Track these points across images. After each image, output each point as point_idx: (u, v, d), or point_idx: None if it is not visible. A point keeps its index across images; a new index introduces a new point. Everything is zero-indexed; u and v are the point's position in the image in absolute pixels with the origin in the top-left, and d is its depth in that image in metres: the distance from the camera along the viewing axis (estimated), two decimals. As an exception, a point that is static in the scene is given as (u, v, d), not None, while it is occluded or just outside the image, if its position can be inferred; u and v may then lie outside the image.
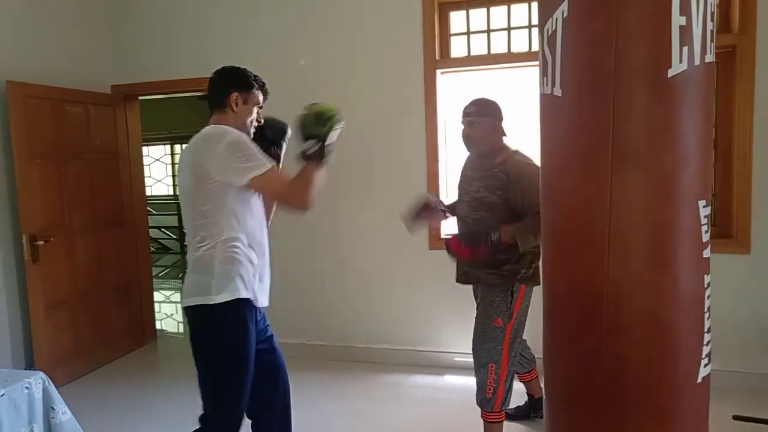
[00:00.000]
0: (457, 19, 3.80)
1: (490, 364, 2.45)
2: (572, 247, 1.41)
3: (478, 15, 3.75)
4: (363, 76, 3.81)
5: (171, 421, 3.10)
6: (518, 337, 2.50)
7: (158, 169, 9.51)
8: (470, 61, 3.74)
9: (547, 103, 1.48)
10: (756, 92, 3.15)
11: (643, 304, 1.31)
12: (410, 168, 3.74)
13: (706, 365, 1.37)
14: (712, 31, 1.32)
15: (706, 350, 1.37)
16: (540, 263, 2.05)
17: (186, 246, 2.10)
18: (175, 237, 9.20)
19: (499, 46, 3.74)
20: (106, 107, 4.24)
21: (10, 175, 3.53)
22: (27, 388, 2.27)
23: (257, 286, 2.02)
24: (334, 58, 3.86)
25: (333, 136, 1.96)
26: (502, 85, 3.65)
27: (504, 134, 2.52)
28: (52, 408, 2.36)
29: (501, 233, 2.34)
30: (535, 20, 3.59)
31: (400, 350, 3.89)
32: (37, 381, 2.32)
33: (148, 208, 4.69)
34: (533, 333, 2.47)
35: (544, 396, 1.60)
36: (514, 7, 3.69)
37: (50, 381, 2.39)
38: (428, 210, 2.67)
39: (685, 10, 1.26)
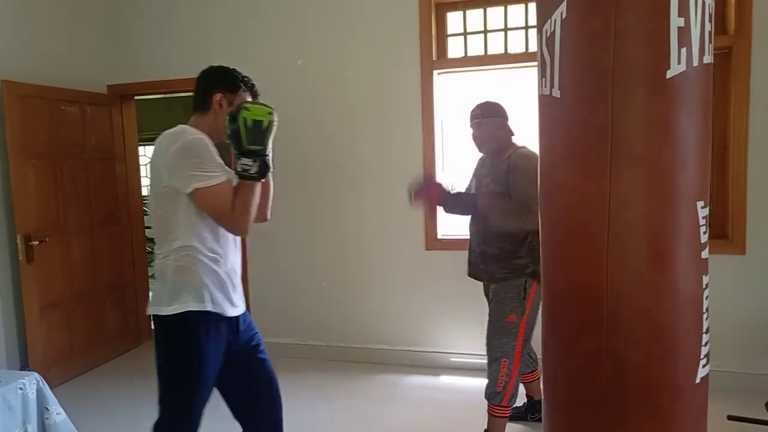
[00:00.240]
0: (453, 19, 3.80)
1: (503, 359, 2.49)
2: (571, 247, 1.41)
3: (474, 16, 3.76)
4: (360, 77, 3.81)
5: (167, 422, 3.09)
6: (531, 333, 2.53)
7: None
8: (467, 61, 3.75)
9: (545, 104, 1.48)
10: (751, 93, 3.18)
11: (643, 304, 1.31)
12: (407, 168, 3.73)
13: (704, 365, 1.37)
14: (710, 33, 1.33)
15: (704, 351, 1.37)
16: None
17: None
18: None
19: (495, 46, 3.75)
20: (102, 107, 4.23)
21: (5, 174, 3.52)
22: (21, 388, 2.26)
23: (222, 296, 1.89)
24: (331, 59, 3.86)
25: (270, 143, 1.80)
26: (499, 86, 3.66)
27: (512, 132, 2.60)
28: (47, 408, 2.36)
29: (480, 197, 2.49)
30: (531, 21, 3.60)
31: (397, 350, 3.89)
32: (31, 381, 2.31)
33: (143, 207, 4.67)
34: (533, 333, 2.49)
35: (542, 396, 1.60)
36: (510, 8, 3.70)
37: (44, 381, 2.38)
38: (432, 182, 2.66)
39: (683, 11, 1.26)
